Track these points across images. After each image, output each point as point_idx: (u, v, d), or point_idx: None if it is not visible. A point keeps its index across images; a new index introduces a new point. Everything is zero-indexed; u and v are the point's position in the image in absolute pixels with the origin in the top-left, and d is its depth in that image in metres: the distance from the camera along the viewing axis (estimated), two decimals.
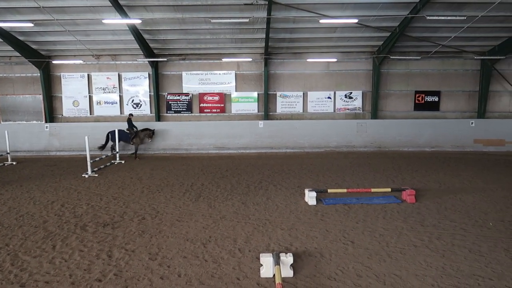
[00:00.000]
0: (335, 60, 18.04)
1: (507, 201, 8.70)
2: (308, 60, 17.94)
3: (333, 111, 18.76)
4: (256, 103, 18.71)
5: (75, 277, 4.97)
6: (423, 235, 6.48)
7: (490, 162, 14.51)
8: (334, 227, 6.93)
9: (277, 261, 4.76)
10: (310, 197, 8.46)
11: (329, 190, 8.82)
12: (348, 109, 18.79)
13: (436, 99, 18.68)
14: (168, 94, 18.72)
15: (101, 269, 5.21)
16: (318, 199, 8.58)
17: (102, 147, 15.96)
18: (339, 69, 18.52)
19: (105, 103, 18.72)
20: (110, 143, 16.06)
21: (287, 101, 18.74)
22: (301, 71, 18.56)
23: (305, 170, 13.03)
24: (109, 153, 15.42)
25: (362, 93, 18.66)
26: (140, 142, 16.34)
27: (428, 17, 13.38)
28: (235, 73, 18.59)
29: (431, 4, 13.74)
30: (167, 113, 18.82)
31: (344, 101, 18.71)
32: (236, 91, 18.69)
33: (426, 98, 18.67)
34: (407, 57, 17.62)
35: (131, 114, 16.63)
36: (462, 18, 13.36)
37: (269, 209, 8.13)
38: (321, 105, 18.74)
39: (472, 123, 18.27)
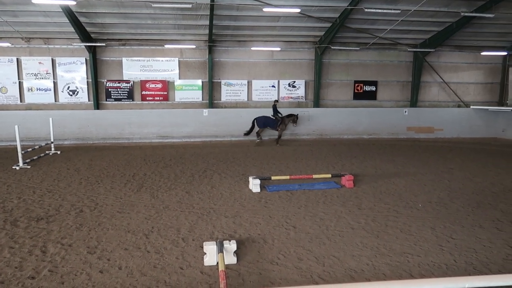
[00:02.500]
0: (278, 49, 18.23)
1: (435, 184, 9.44)
2: (253, 48, 17.96)
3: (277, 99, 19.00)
4: (201, 91, 18.45)
5: (5, 276, 4.66)
6: (360, 217, 6.85)
7: (421, 148, 15.62)
8: (277, 213, 7.11)
9: (220, 249, 4.79)
10: (254, 184, 8.59)
11: (272, 177, 9.01)
12: (291, 97, 19.15)
13: (374, 88, 19.60)
14: (108, 81, 17.85)
15: (34, 266, 4.92)
16: (262, 186, 8.72)
17: (248, 133, 16.64)
18: (283, 58, 18.75)
19: (37, 89, 17.42)
20: (256, 128, 16.64)
21: (232, 89, 18.68)
22: (246, 60, 18.55)
23: (249, 158, 13.16)
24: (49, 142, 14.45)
25: (305, 82, 19.10)
26: (285, 128, 16.85)
27: (366, 9, 13.96)
28: (179, 60, 18.14)
29: None
30: (106, 101, 17.95)
31: (288, 90, 19.04)
32: (179, 78, 18.26)
33: (364, 88, 19.53)
34: (347, 48, 18.22)
35: (276, 101, 17.06)
36: (397, 11, 14.10)
37: (214, 198, 8.14)
38: (265, 94, 18.91)
39: (405, 111, 19.47)
